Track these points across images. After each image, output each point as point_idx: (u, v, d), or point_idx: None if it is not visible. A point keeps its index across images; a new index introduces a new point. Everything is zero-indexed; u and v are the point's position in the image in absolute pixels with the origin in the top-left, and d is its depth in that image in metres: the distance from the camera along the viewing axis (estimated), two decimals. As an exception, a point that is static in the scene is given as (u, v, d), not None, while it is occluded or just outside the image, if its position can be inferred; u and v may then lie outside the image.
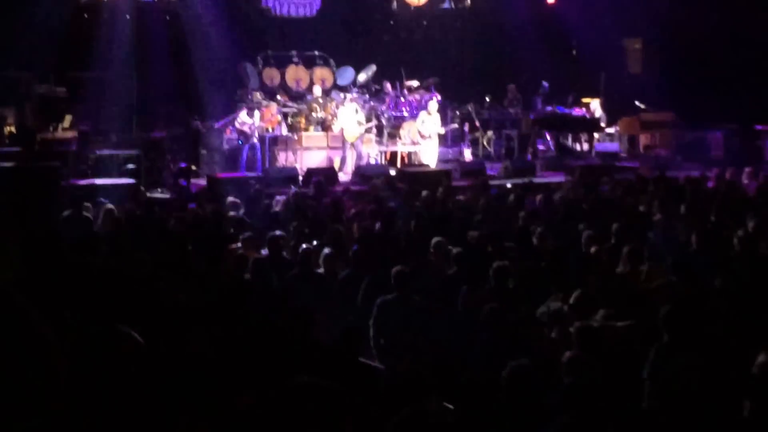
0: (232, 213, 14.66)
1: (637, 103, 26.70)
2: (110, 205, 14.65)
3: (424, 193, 16.33)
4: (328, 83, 25.42)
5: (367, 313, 9.74)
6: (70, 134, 20.76)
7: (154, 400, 3.26)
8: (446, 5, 29.15)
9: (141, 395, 3.24)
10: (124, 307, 6.33)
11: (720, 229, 12.83)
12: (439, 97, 24.42)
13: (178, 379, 3.34)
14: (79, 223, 13.73)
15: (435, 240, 11.84)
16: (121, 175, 19.79)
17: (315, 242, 12.34)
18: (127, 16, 24.38)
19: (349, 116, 22.76)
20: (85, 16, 24.44)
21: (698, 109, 25.60)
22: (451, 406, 5.51)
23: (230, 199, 15.77)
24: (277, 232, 12.22)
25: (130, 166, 20.35)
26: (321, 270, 11.25)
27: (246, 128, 22.17)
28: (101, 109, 22.58)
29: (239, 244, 12.19)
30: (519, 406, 6.36)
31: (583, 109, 26.20)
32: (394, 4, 28.40)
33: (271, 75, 25.37)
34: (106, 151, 21.10)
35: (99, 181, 18.78)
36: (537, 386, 6.67)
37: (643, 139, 26.59)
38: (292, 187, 18.32)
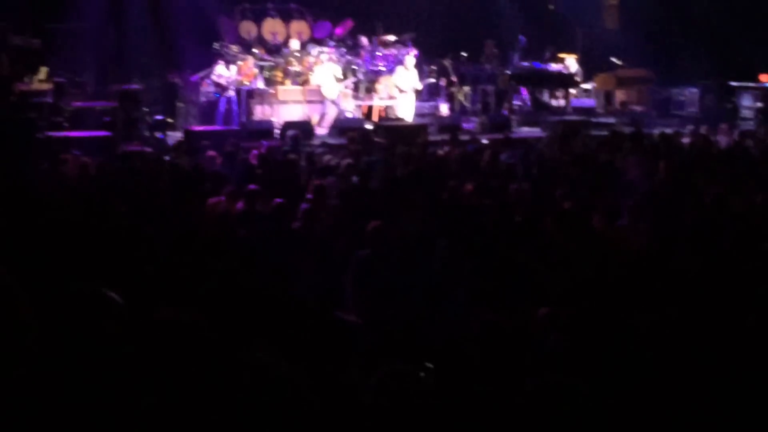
0: (214, 167, 14.63)
1: (613, 59, 26.68)
2: (86, 158, 14.58)
3: (401, 147, 16.32)
4: (305, 36, 25.25)
5: (344, 269, 9.75)
6: (45, 86, 20.59)
7: (133, 365, 3.29)
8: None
9: (119, 359, 3.27)
10: (100, 264, 6.33)
11: (695, 186, 12.90)
12: (416, 52, 24.37)
13: (158, 343, 3.37)
14: (54, 177, 13.66)
15: (411, 195, 11.85)
16: (97, 127, 19.69)
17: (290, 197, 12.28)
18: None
19: (327, 75, 22.79)
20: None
21: (674, 66, 25.67)
22: (429, 365, 5.54)
23: (208, 152, 15.73)
24: (253, 186, 12.17)
25: (107, 118, 20.24)
26: (297, 224, 11.21)
27: (223, 81, 22.15)
28: (77, 61, 22.43)
29: (223, 198, 12.12)
30: (493, 362, 6.39)
31: (560, 65, 26.16)
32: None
33: (248, 28, 25.20)
34: (82, 104, 20.96)
35: (75, 134, 18.70)
36: (511, 342, 6.71)
37: (619, 96, 26.66)
38: (263, 141, 18.24)
